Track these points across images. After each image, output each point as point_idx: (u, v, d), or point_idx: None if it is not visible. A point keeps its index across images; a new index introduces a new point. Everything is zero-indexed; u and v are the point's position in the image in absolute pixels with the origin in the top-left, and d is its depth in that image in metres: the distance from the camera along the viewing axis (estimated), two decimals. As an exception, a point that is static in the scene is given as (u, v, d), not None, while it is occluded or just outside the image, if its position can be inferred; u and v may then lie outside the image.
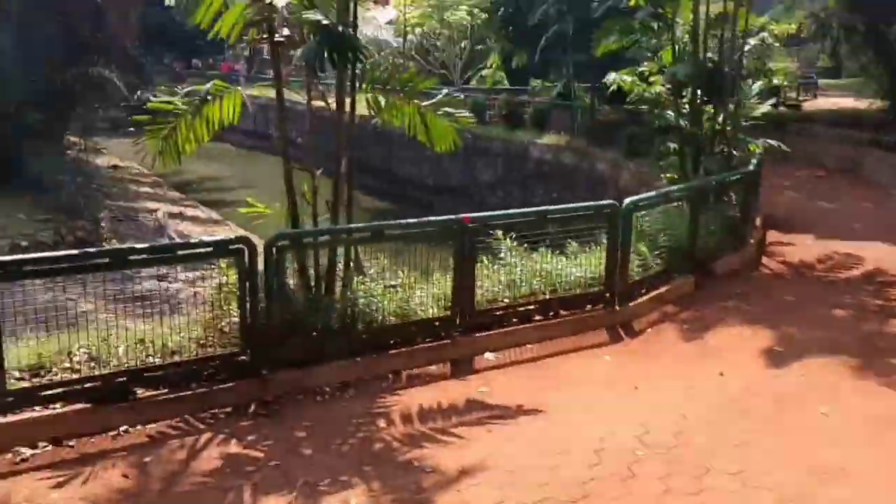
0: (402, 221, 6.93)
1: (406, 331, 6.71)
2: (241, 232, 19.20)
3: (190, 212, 22.53)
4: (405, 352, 6.59)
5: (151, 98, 20.07)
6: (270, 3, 5.94)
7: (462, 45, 33.65)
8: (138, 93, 20.33)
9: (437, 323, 6.83)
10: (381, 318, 6.59)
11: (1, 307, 5.05)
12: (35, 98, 17.80)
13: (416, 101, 6.89)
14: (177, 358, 5.76)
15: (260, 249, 5.89)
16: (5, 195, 16.55)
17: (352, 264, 6.82)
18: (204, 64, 51.54)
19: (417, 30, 32.70)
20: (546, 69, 26.34)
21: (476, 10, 30.70)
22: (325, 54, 5.77)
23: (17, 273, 5.18)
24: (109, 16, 18.36)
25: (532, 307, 7.44)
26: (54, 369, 5.51)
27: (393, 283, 6.95)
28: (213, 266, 6.33)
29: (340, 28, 5.84)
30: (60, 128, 20.03)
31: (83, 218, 15.66)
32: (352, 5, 6.46)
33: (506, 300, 7.36)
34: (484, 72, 31.78)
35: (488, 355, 6.90)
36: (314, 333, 6.25)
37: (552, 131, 23.23)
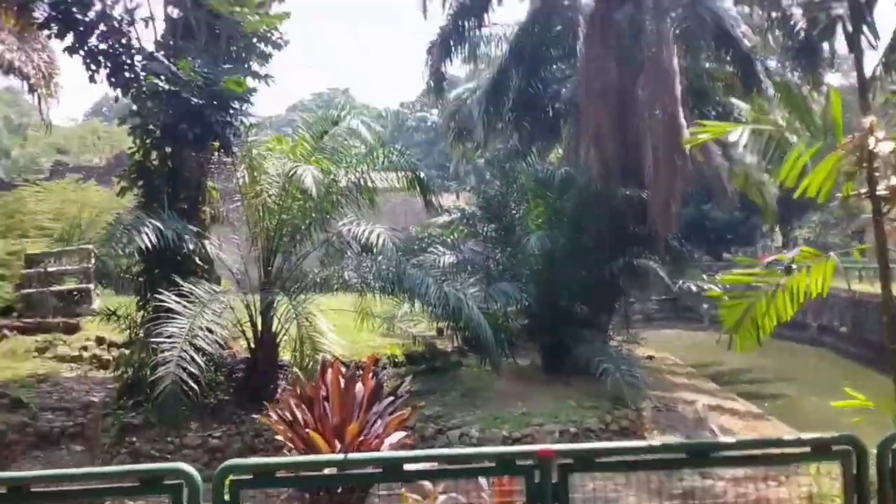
0: None
1: None
2: (786, 429, 17.25)
3: (728, 404, 21.27)
4: None
5: (692, 288, 19.95)
6: (872, 150, 4.96)
7: None
8: (679, 283, 20.28)
9: None
10: None
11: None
12: (583, 290, 18.86)
13: None
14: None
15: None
16: (557, 381, 17.44)
17: None
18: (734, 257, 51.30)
19: None
20: None
21: None
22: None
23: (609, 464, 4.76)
24: (653, 209, 18.94)
25: None
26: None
27: None
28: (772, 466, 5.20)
29: None
30: (605, 318, 20.85)
31: (626, 406, 15.54)
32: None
33: None
34: None
35: None
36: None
37: None
